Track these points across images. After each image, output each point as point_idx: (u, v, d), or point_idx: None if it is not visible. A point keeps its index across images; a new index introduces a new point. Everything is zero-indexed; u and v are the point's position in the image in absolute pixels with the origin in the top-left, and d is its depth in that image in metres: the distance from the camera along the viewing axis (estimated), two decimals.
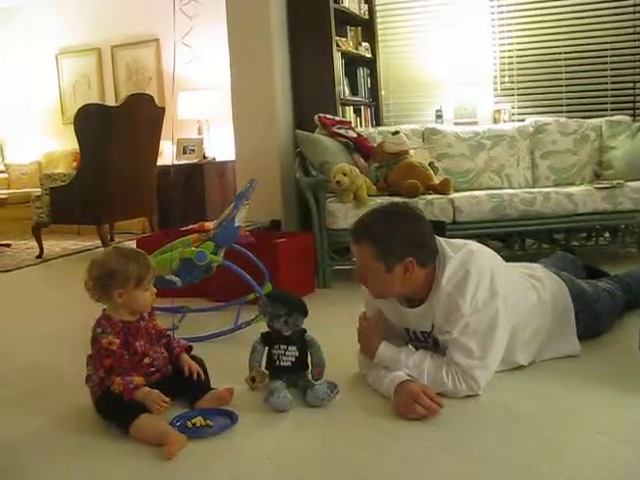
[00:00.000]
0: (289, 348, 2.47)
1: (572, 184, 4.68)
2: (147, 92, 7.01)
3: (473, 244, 2.46)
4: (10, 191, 8.01)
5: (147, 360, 2.35)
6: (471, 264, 2.31)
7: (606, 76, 5.66)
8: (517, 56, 5.91)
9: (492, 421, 2.15)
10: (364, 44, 6.02)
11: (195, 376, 2.40)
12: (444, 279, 2.30)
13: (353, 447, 2.03)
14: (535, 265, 2.88)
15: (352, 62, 5.72)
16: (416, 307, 2.42)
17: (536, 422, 2.12)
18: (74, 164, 7.65)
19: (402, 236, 2.28)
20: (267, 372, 2.51)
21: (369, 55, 6.08)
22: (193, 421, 2.20)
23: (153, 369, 2.36)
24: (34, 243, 6.22)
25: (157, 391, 2.21)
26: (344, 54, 5.49)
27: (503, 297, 2.32)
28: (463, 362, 2.29)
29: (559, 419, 2.13)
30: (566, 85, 5.79)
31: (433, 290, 2.34)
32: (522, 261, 3.00)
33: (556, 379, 2.45)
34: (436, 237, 2.41)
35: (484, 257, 2.40)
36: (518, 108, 5.95)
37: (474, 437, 2.04)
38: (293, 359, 2.46)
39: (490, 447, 1.97)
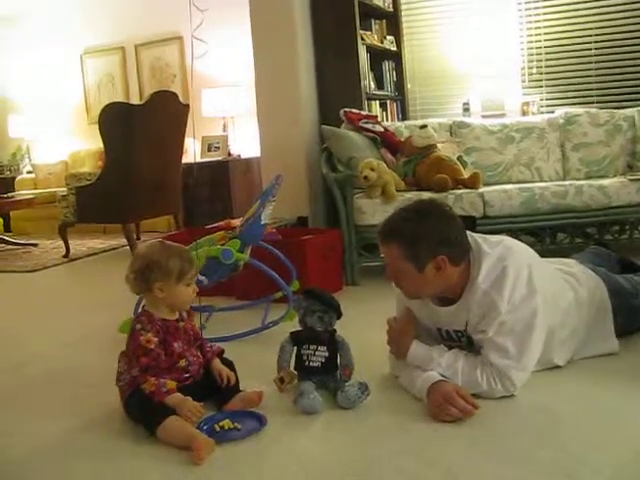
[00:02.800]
0: (319, 348, 2.41)
1: (604, 176, 4.57)
2: (171, 89, 6.98)
3: (509, 240, 2.39)
4: (37, 191, 8.05)
5: (183, 363, 2.30)
6: (508, 261, 2.23)
7: (638, 65, 5.53)
8: (545, 46, 5.78)
9: (530, 423, 2.07)
10: (389, 37, 5.94)
11: (225, 382, 2.35)
12: (480, 276, 2.23)
13: (385, 450, 1.96)
14: (570, 261, 2.79)
15: (377, 56, 5.65)
16: (449, 305, 2.35)
17: (576, 425, 2.04)
18: (100, 163, 7.67)
19: (431, 234, 2.21)
20: (296, 373, 2.45)
21: (394, 48, 6.00)
22: (221, 424, 2.15)
23: (187, 375, 2.32)
24: (61, 242, 6.23)
25: (191, 399, 2.16)
26: (369, 48, 5.41)
27: (542, 294, 2.24)
28: (499, 362, 2.21)
29: (600, 422, 2.05)
30: (596, 75, 5.66)
31: (468, 288, 2.27)
32: (554, 256, 2.91)
33: (595, 379, 2.37)
34: (471, 234, 2.34)
35: (521, 253, 2.32)
36: (547, 100, 5.84)
37: (512, 440, 1.97)
38: (323, 359, 2.40)
39: (529, 451, 1.89)
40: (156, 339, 2.22)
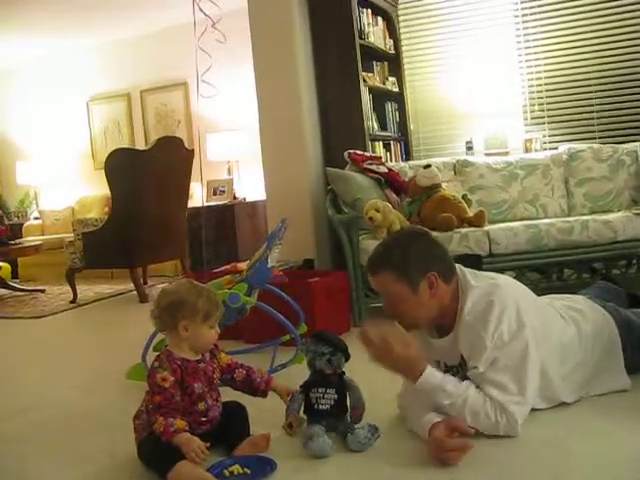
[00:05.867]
0: (327, 391, 2.40)
1: (609, 211, 4.57)
2: (176, 135, 7.05)
3: (501, 277, 2.41)
4: (44, 237, 8.09)
5: (202, 406, 2.28)
6: (495, 295, 2.25)
7: (638, 100, 5.56)
8: (546, 84, 5.83)
9: (544, 463, 2.04)
10: (391, 78, 5.99)
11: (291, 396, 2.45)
12: (466, 308, 2.27)
13: None
14: (577, 297, 2.78)
15: (380, 97, 5.69)
16: (444, 337, 2.37)
17: (589, 463, 2.01)
18: (106, 209, 7.71)
19: (417, 252, 2.30)
20: (305, 417, 2.44)
21: (396, 89, 6.05)
22: (230, 469, 2.13)
23: (205, 419, 2.30)
24: (68, 288, 6.24)
25: (198, 439, 2.13)
26: (371, 89, 5.46)
27: (531, 328, 2.25)
28: (500, 398, 2.19)
29: (613, 460, 2.02)
30: (597, 111, 5.69)
31: (457, 320, 2.31)
32: (561, 292, 2.91)
33: (607, 416, 2.34)
34: (459, 266, 2.40)
35: (510, 289, 2.33)
36: (549, 136, 5.86)
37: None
38: (332, 402, 2.39)
39: None
40: (172, 378, 2.20)
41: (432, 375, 2.25)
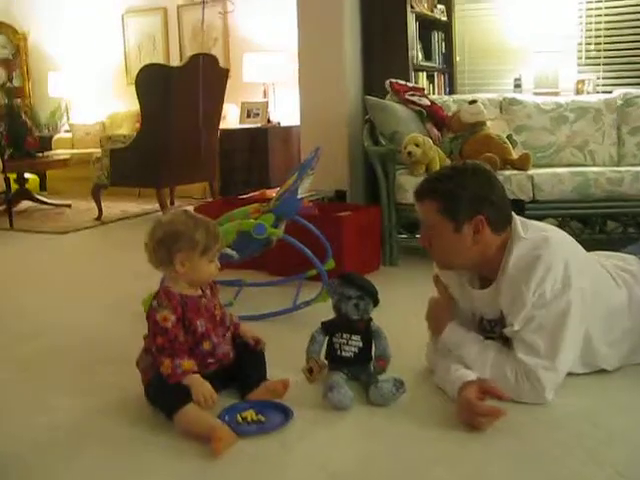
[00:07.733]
0: (352, 337, 2.24)
1: None
2: (212, 53, 6.82)
3: (553, 230, 2.20)
4: (73, 151, 7.94)
5: (207, 345, 2.13)
6: (543, 249, 2.05)
7: None
8: (605, 21, 5.48)
9: (575, 436, 1.87)
10: (440, 6, 5.69)
11: (256, 344, 2.28)
12: (511, 261, 2.07)
13: (419, 456, 1.80)
14: (629, 257, 2.56)
15: (426, 25, 5.41)
16: (484, 289, 2.18)
17: (629, 442, 1.84)
18: (137, 125, 7.53)
19: (471, 190, 2.08)
20: (326, 363, 2.29)
21: (444, 18, 5.75)
22: (244, 415, 2.01)
23: (212, 360, 2.15)
24: (94, 204, 6.13)
25: (209, 385, 2.00)
26: (418, 16, 5.18)
27: (579, 290, 2.06)
28: (528, 360, 2.03)
29: None
30: None
31: (501, 271, 2.11)
32: (603, 246, 2.71)
33: None
34: (512, 214, 2.18)
35: (561, 245, 2.12)
36: (603, 79, 5.54)
37: (554, 454, 1.78)
38: (356, 350, 2.23)
39: (575, 469, 1.70)
40: (173, 317, 2.05)
41: (453, 330, 2.16)
